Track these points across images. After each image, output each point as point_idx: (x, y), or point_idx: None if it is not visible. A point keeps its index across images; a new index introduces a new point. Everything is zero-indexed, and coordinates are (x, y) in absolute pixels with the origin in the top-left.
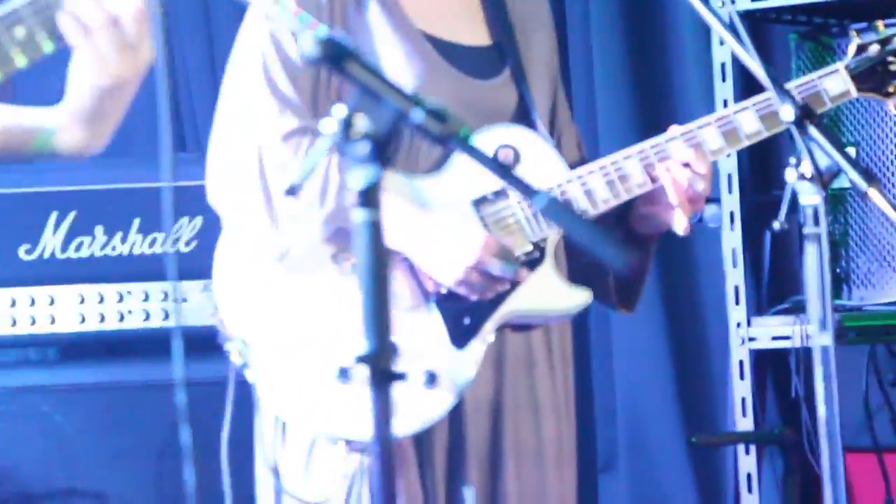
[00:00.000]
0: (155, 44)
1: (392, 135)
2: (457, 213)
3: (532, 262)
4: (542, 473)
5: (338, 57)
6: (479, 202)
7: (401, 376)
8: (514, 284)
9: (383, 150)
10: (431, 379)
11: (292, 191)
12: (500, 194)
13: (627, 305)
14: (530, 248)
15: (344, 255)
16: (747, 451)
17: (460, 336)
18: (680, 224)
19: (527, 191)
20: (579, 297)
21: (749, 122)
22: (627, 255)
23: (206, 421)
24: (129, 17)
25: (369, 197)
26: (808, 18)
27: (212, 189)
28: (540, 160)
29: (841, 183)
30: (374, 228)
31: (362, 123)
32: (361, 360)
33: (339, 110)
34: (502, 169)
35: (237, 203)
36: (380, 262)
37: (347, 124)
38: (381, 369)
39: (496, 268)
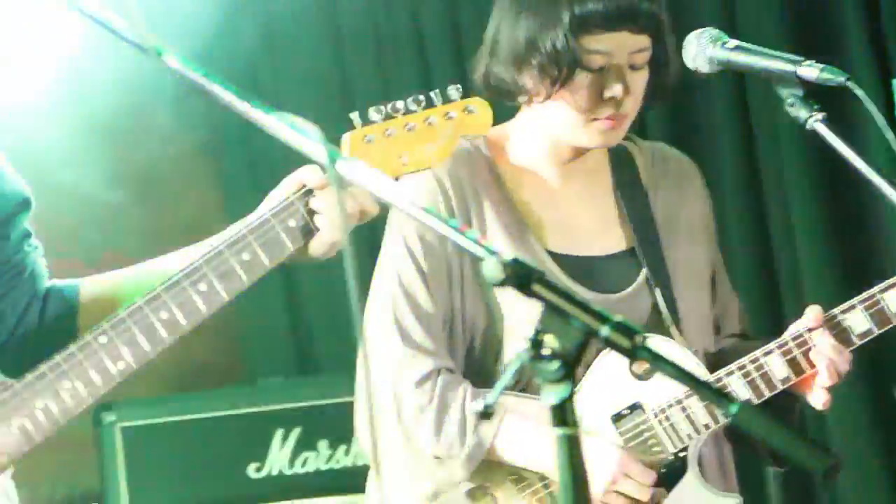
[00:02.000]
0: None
1: (581, 351)
2: (593, 432)
3: (674, 473)
4: None
5: (523, 279)
6: (617, 417)
7: None
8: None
9: (573, 367)
10: None
11: (486, 413)
12: (635, 408)
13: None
14: (671, 458)
15: (482, 489)
16: None
17: None
18: (823, 401)
19: (720, 400)
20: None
21: None
22: (826, 460)
23: None
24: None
25: (563, 413)
26: None
27: (358, 434)
28: None
29: None
30: (570, 444)
31: (551, 342)
32: None
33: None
34: (694, 379)
35: (380, 448)
36: (579, 477)
37: (536, 344)
38: None
39: (633, 489)
